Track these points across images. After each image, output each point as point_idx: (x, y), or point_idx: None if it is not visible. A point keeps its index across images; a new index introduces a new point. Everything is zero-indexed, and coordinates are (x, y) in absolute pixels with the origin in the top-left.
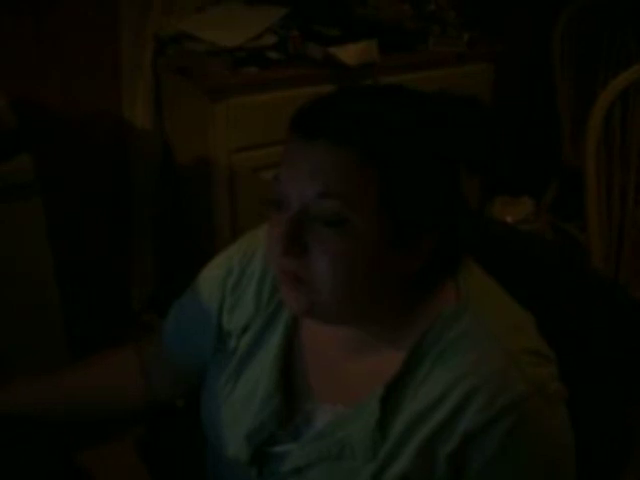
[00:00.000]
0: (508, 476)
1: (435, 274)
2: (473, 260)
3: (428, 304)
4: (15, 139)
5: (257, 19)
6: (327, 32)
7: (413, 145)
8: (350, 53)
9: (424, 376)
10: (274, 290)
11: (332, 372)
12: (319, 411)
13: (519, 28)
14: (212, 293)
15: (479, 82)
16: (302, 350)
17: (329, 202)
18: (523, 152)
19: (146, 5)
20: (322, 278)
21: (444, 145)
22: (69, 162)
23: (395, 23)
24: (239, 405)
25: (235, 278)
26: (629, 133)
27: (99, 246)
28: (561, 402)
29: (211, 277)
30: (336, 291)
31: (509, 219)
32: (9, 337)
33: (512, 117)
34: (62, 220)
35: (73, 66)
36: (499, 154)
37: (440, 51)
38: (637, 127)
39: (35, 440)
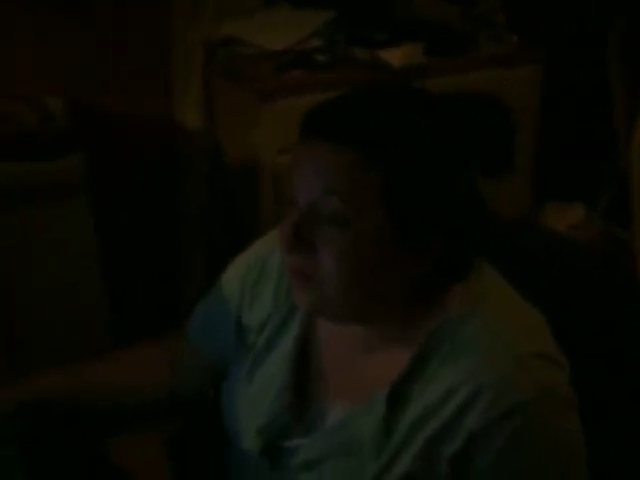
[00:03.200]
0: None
1: (446, 276)
2: (486, 262)
3: (438, 305)
4: (66, 138)
5: (304, 23)
6: (374, 36)
7: (418, 147)
8: (396, 56)
9: (430, 376)
10: (291, 287)
11: (346, 369)
12: (332, 407)
13: (571, 29)
14: (233, 289)
15: (528, 84)
16: (318, 346)
17: (333, 200)
18: (578, 157)
19: (198, 10)
20: (328, 276)
21: (451, 147)
22: (122, 163)
23: (443, 25)
24: (254, 399)
25: (255, 275)
26: None
27: (150, 247)
28: (570, 408)
29: (232, 274)
30: (342, 289)
31: (560, 226)
32: (54, 333)
33: (565, 121)
34: (113, 220)
35: (128, 69)
36: (511, 156)
37: (488, 53)
38: None
39: (65, 430)
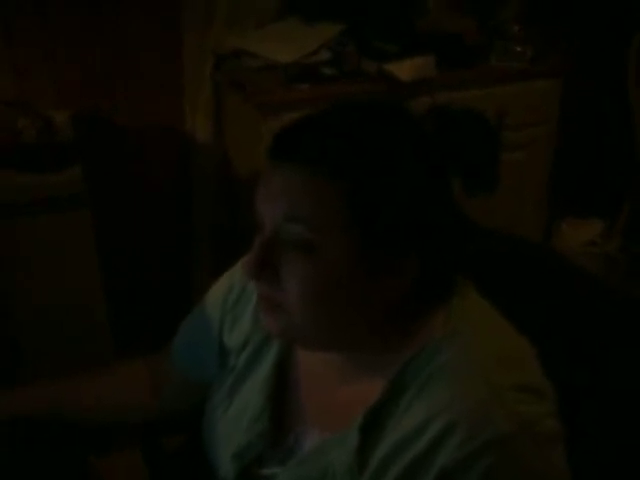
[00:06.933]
0: None
1: (425, 300)
2: (471, 284)
3: (416, 331)
4: (69, 151)
5: (314, 35)
6: (385, 48)
7: (387, 171)
8: (405, 68)
9: (405, 407)
10: None
11: (323, 395)
12: (308, 434)
13: (591, 42)
14: (214, 310)
15: (545, 99)
16: (296, 371)
17: (295, 226)
18: (596, 171)
19: (208, 21)
20: (293, 302)
21: (425, 167)
22: (130, 174)
23: (456, 38)
24: (231, 423)
25: (235, 296)
26: None
27: (155, 258)
28: (553, 443)
29: (214, 293)
30: (307, 316)
31: (577, 241)
32: (55, 346)
33: (583, 134)
34: (119, 232)
35: (137, 80)
36: (494, 174)
37: (501, 67)
38: None
39: (48, 447)
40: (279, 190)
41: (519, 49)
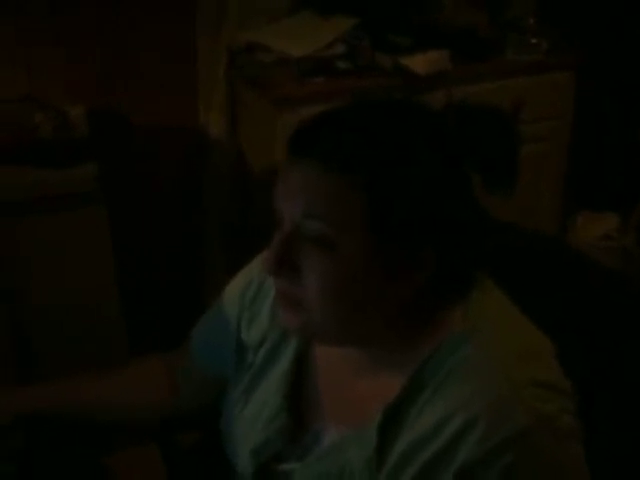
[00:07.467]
0: None
1: (442, 294)
2: (489, 279)
3: (435, 327)
4: (84, 148)
5: (328, 29)
6: (399, 41)
7: (405, 167)
8: (420, 62)
9: (424, 404)
10: None
11: (342, 391)
12: (327, 431)
13: (606, 35)
14: (232, 306)
15: (560, 91)
16: (314, 367)
17: (314, 222)
18: (612, 165)
19: (221, 17)
20: (312, 298)
21: (444, 162)
22: (145, 170)
23: (470, 31)
24: (250, 420)
25: (253, 292)
26: None
27: (169, 254)
28: (571, 438)
29: (232, 290)
30: (327, 311)
31: (592, 235)
32: (69, 345)
33: (599, 128)
34: (133, 228)
35: (152, 77)
36: (514, 170)
37: (516, 60)
38: None
39: (63, 444)
40: (297, 187)
41: (534, 41)
